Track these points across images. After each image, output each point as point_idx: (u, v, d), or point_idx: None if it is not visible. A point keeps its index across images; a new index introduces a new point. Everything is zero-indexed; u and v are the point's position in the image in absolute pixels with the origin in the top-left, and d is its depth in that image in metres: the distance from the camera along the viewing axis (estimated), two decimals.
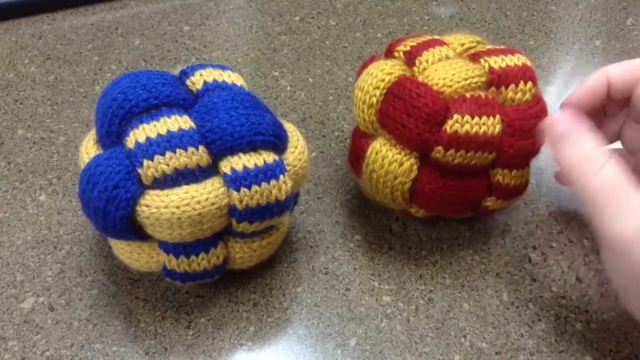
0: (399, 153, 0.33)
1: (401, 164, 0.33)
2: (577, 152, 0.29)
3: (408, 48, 0.35)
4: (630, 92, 0.32)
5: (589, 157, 0.28)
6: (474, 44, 0.36)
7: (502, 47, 0.35)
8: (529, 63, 0.34)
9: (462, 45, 0.36)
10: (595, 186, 0.28)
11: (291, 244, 0.37)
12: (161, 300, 0.35)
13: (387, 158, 0.33)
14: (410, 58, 0.35)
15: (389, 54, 0.36)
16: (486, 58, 0.34)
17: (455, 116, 0.31)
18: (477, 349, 0.33)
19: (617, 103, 0.34)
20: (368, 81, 0.34)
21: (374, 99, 0.34)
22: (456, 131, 0.31)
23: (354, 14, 0.55)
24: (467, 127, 0.31)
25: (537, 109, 0.33)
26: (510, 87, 0.33)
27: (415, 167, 0.33)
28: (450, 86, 0.32)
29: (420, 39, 0.36)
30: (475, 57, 0.34)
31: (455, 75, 0.33)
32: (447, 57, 0.34)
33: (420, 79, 0.33)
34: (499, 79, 0.33)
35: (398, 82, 0.33)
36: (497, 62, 0.33)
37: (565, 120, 0.30)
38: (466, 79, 0.33)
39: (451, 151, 0.32)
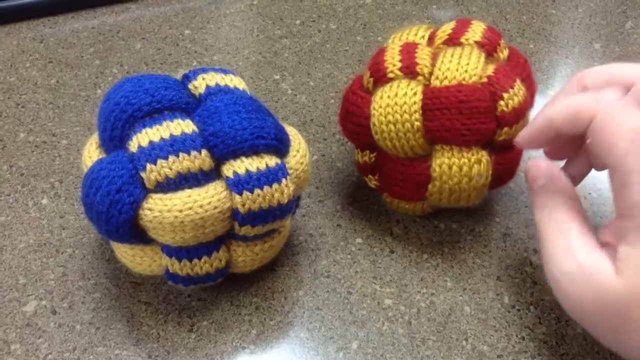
0: (472, 155, 0.33)
1: (480, 162, 0.33)
2: (542, 196, 0.31)
3: (399, 66, 0.34)
4: (579, 132, 0.29)
5: (548, 195, 0.31)
6: (430, 30, 0.37)
7: (453, 24, 0.36)
8: (484, 24, 0.36)
9: (424, 37, 0.36)
10: (547, 226, 0.30)
11: (293, 247, 0.38)
12: (163, 304, 0.35)
13: (465, 166, 0.33)
14: (410, 72, 0.34)
15: (382, 79, 0.35)
16: (463, 38, 0.35)
17: (505, 95, 0.33)
18: (478, 352, 0.33)
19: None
20: (398, 111, 0.33)
21: (417, 123, 0.33)
22: (513, 107, 0.33)
23: (354, 17, 0.55)
24: (516, 98, 0.33)
25: (520, 60, 0.36)
26: (497, 49, 0.35)
27: (488, 157, 0.33)
28: (474, 74, 0.33)
29: (395, 58, 0.35)
30: (452, 41, 0.35)
31: (468, 64, 0.33)
32: (435, 54, 0.35)
33: (437, 83, 0.33)
34: (488, 47, 0.35)
35: (433, 95, 0.33)
36: (474, 35, 0.35)
37: (542, 171, 0.31)
38: (477, 61, 0.34)
39: (515, 126, 0.33)
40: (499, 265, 0.37)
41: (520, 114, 0.33)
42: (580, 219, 0.30)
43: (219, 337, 0.33)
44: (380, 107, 0.34)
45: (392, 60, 0.34)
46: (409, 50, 0.35)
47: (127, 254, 0.32)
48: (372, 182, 0.38)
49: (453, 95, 0.32)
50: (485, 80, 0.33)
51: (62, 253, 0.37)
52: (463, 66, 0.33)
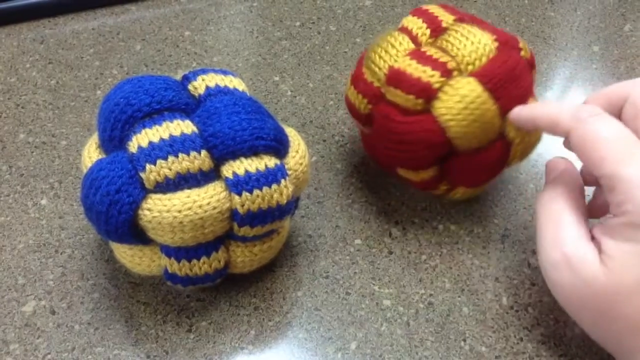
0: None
1: None
2: (543, 200, 0.32)
3: (437, 74, 0.34)
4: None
5: (543, 191, 0.32)
6: (403, 35, 0.37)
7: (418, 20, 0.37)
8: (435, 4, 0.38)
9: (409, 42, 0.36)
10: (542, 215, 0.32)
11: (292, 247, 0.38)
12: (162, 304, 0.35)
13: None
14: (448, 73, 0.34)
15: (431, 93, 0.34)
16: (444, 23, 0.36)
17: (520, 44, 0.36)
18: (476, 353, 0.33)
19: None
20: (475, 107, 0.33)
21: (494, 107, 0.33)
22: (526, 50, 0.36)
23: (354, 19, 0.55)
24: (521, 42, 0.37)
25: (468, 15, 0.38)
26: (465, 17, 0.37)
27: None
28: (491, 42, 0.35)
29: (425, 70, 0.34)
30: (437, 32, 0.36)
31: (480, 40, 0.34)
32: (440, 48, 0.35)
33: (472, 68, 0.34)
34: (463, 18, 0.37)
35: (487, 79, 0.33)
36: (446, 17, 0.37)
37: (559, 166, 0.33)
38: (481, 32, 0.35)
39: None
40: (498, 266, 0.37)
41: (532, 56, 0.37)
42: (576, 211, 0.31)
43: (217, 338, 0.33)
44: (456, 114, 0.33)
45: (426, 73, 0.33)
46: (424, 57, 0.34)
47: (126, 254, 0.32)
48: (440, 190, 0.37)
49: (500, 69, 0.33)
50: (497, 42, 0.34)
51: (61, 253, 0.37)
52: (479, 42, 0.34)
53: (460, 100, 0.33)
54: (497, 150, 0.35)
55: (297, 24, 0.55)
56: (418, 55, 0.34)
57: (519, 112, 0.33)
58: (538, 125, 0.32)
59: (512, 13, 0.56)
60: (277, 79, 0.49)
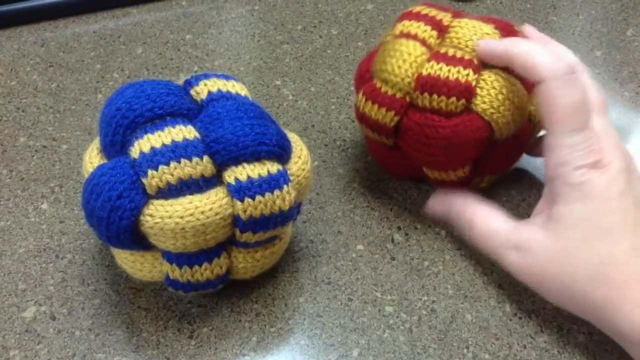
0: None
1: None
2: (455, 223, 0.37)
3: (476, 76, 0.34)
4: (531, 83, 0.34)
5: (461, 221, 0.37)
6: (418, 44, 0.36)
7: (419, 24, 0.37)
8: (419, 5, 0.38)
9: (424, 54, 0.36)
10: (475, 243, 0.36)
11: (293, 253, 0.37)
12: (163, 310, 0.35)
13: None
14: (477, 70, 0.34)
15: (472, 92, 0.34)
16: (445, 21, 0.37)
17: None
18: None
19: None
20: (513, 96, 0.34)
21: (525, 92, 0.35)
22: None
23: (355, 23, 0.55)
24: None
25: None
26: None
27: None
28: (492, 31, 0.36)
29: (461, 70, 0.34)
30: (443, 30, 0.37)
31: (482, 29, 0.36)
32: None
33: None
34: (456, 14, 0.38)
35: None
36: (444, 15, 0.37)
37: (434, 203, 0.39)
38: (484, 23, 0.36)
39: None
40: (501, 272, 0.37)
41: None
42: (492, 212, 0.36)
43: (219, 344, 0.33)
44: (498, 106, 0.34)
45: (460, 73, 0.34)
46: (448, 58, 0.34)
47: (127, 260, 0.32)
48: (482, 184, 0.39)
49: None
50: (497, 30, 0.36)
51: (61, 258, 0.37)
52: (484, 32, 0.35)
53: (499, 92, 0.34)
54: (527, 130, 0.37)
55: (299, 27, 0.55)
56: (441, 57, 0.34)
57: (493, 46, 0.34)
58: (512, 64, 0.33)
59: (514, 17, 0.56)
60: (278, 83, 0.49)
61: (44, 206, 0.40)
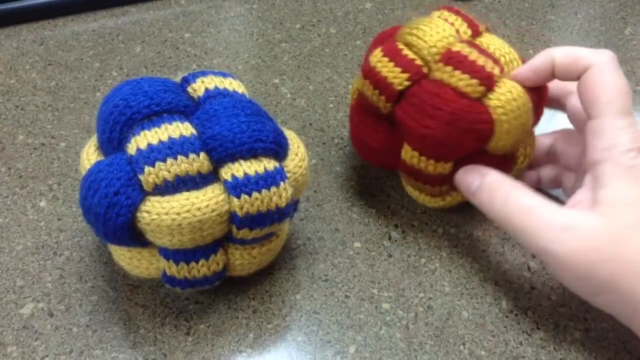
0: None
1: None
2: (485, 192, 0.34)
3: (497, 68, 0.34)
4: (574, 77, 0.34)
5: (494, 191, 0.33)
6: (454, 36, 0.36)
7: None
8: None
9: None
10: (507, 212, 0.32)
11: (291, 250, 0.38)
12: (161, 307, 0.35)
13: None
14: (502, 69, 0.35)
15: (492, 82, 0.34)
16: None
17: None
18: (476, 357, 0.33)
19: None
20: (523, 107, 0.34)
21: (530, 105, 0.35)
22: None
23: (354, 22, 0.55)
24: None
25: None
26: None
27: None
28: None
29: (487, 62, 0.34)
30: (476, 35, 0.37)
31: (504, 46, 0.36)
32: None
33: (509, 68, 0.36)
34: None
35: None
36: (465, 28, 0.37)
37: (471, 174, 0.35)
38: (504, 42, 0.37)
39: None
40: (497, 270, 0.37)
41: None
42: (531, 192, 0.33)
43: (216, 341, 0.33)
44: (509, 110, 0.33)
45: (488, 64, 0.34)
46: (480, 49, 0.35)
47: (124, 256, 0.32)
48: (440, 189, 0.37)
49: None
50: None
51: (59, 255, 0.37)
52: (509, 48, 0.36)
53: (514, 99, 0.33)
54: (508, 161, 0.36)
55: (297, 26, 0.55)
56: (473, 45, 0.35)
57: (533, 62, 0.34)
58: (555, 64, 0.33)
59: (513, 16, 0.56)
60: (276, 81, 0.49)
61: (42, 204, 0.40)
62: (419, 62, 0.35)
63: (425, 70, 0.34)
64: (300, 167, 0.32)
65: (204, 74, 0.33)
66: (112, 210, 0.29)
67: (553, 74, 0.34)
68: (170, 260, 0.31)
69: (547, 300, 0.35)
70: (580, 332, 0.34)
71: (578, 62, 0.33)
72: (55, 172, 0.42)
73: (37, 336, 0.33)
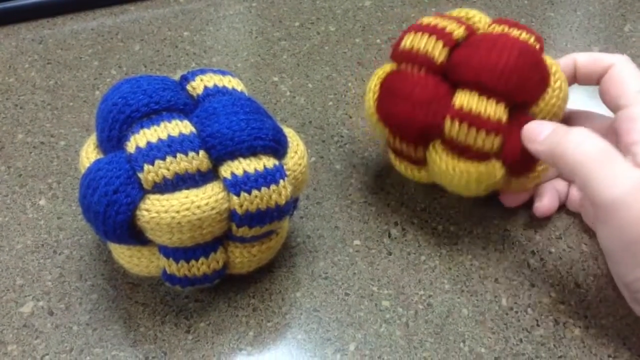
0: None
1: None
2: (559, 134, 0.32)
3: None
4: (594, 79, 0.36)
5: (570, 133, 0.31)
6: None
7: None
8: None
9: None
10: (583, 153, 0.30)
11: (290, 248, 0.38)
12: (161, 305, 0.35)
13: None
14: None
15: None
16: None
17: None
18: (476, 354, 0.33)
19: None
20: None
21: None
22: None
23: (353, 20, 0.55)
24: None
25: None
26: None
27: None
28: None
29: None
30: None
31: None
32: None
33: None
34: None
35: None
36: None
37: (540, 124, 0.33)
38: None
39: None
40: (497, 267, 0.37)
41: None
42: (608, 144, 0.31)
43: (216, 339, 0.33)
44: (560, 77, 0.35)
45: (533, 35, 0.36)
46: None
47: (124, 255, 0.32)
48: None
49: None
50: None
51: (59, 254, 0.37)
52: None
53: (560, 73, 0.35)
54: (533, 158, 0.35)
55: (296, 24, 0.55)
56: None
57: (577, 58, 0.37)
58: (578, 64, 0.36)
59: (512, 13, 0.56)
60: (276, 79, 0.49)
61: (42, 202, 0.40)
62: (471, 24, 0.36)
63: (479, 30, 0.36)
64: (300, 164, 0.32)
65: (203, 72, 0.33)
66: (111, 208, 0.29)
67: (574, 77, 0.37)
68: (170, 259, 0.31)
69: (547, 297, 0.35)
70: (580, 329, 0.34)
71: (600, 62, 0.35)
72: (54, 171, 0.42)
73: (38, 335, 0.33)
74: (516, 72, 0.33)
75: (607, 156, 0.30)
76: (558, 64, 0.36)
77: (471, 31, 0.35)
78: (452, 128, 0.33)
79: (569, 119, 0.38)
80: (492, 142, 0.33)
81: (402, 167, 0.38)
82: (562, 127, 0.32)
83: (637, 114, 0.33)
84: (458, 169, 0.34)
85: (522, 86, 0.33)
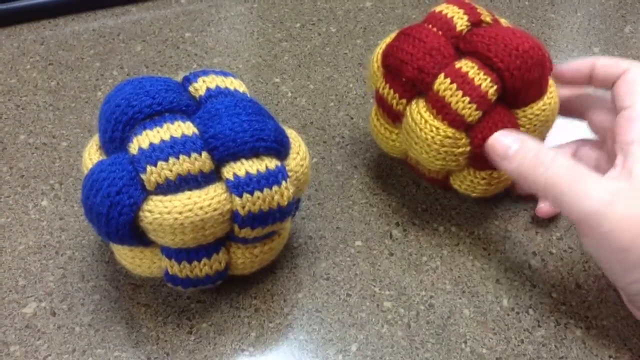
0: None
1: None
2: (529, 154, 0.32)
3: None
4: (609, 82, 0.36)
5: (539, 153, 0.32)
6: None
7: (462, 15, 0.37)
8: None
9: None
10: (553, 174, 0.31)
11: (292, 249, 0.38)
12: (163, 306, 0.35)
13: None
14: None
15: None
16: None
17: None
18: (477, 355, 0.33)
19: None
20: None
21: None
22: None
23: (354, 21, 0.55)
24: None
25: None
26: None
27: None
28: None
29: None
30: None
31: None
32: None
33: None
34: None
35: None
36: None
37: (508, 139, 0.33)
38: None
39: None
40: (498, 268, 0.37)
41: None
42: (576, 162, 0.32)
43: (218, 340, 0.33)
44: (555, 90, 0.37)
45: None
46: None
47: (126, 255, 0.32)
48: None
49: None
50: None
51: (61, 255, 0.37)
52: None
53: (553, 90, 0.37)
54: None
55: (298, 25, 0.55)
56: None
57: (573, 63, 0.37)
58: (596, 65, 0.36)
59: (513, 14, 0.56)
60: (277, 80, 0.49)
61: (44, 203, 0.40)
62: (497, 18, 0.38)
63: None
64: (302, 165, 0.32)
65: (205, 73, 0.33)
66: (114, 209, 0.29)
67: (590, 78, 0.37)
68: (173, 259, 0.31)
69: (548, 298, 0.36)
70: (581, 329, 0.34)
71: (618, 65, 0.35)
72: (56, 172, 0.42)
73: (40, 335, 0.33)
74: (523, 58, 0.34)
75: (577, 173, 0.31)
76: (555, 86, 0.37)
77: (497, 23, 0.37)
78: (442, 83, 0.34)
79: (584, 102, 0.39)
80: (470, 112, 0.34)
81: (380, 128, 0.38)
82: (529, 145, 0.33)
83: (637, 114, 0.33)
84: (429, 124, 0.34)
85: (522, 74, 0.34)
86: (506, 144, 0.33)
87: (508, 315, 0.35)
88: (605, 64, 0.36)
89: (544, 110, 0.35)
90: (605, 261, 0.31)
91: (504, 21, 0.38)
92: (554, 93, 0.36)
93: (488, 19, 0.37)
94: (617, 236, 0.29)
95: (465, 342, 0.34)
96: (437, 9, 0.37)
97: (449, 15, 0.36)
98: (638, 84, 0.34)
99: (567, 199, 0.31)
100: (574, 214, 0.30)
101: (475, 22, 0.36)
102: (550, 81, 0.36)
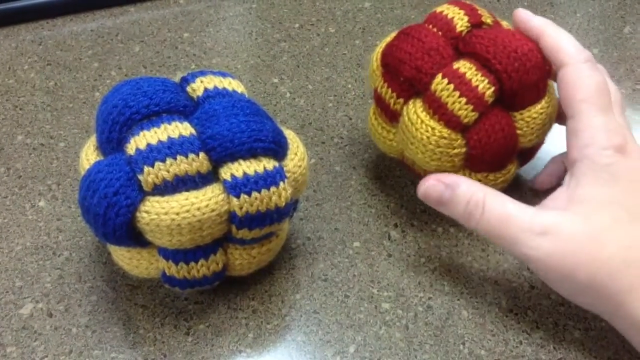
0: None
1: None
2: (459, 207, 0.33)
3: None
4: (554, 68, 0.35)
5: (468, 206, 0.32)
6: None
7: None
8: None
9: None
10: (485, 224, 0.32)
11: (290, 250, 0.38)
12: (160, 307, 0.35)
13: None
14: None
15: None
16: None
17: None
18: (476, 357, 0.33)
19: None
20: None
21: None
22: None
23: (353, 21, 0.55)
24: None
25: None
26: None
27: None
28: None
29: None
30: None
31: None
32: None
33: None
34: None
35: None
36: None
37: (440, 184, 0.33)
38: None
39: None
40: (497, 269, 0.37)
41: None
42: (506, 198, 0.32)
43: (215, 341, 0.33)
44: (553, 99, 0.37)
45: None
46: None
47: (124, 256, 0.32)
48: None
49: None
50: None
51: (58, 256, 0.37)
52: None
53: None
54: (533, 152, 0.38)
55: (296, 25, 0.55)
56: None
57: (530, 17, 0.36)
58: (543, 41, 0.34)
59: (512, 15, 0.56)
60: (276, 80, 0.49)
61: (41, 204, 0.40)
62: (499, 20, 0.38)
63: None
64: (300, 166, 0.32)
65: (203, 73, 0.33)
66: (111, 210, 0.29)
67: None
68: (170, 260, 0.31)
69: (546, 299, 0.35)
70: (579, 331, 0.34)
71: (558, 55, 0.34)
72: (54, 172, 0.42)
73: (36, 337, 0.33)
74: (521, 60, 0.34)
75: (506, 219, 0.31)
76: (554, 91, 0.36)
77: (498, 24, 0.37)
78: (439, 84, 0.34)
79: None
80: (466, 113, 0.34)
81: (378, 127, 0.38)
82: (459, 196, 0.33)
83: (578, 127, 0.32)
84: (425, 124, 0.34)
85: (520, 76, 0.34)
86: (438, 190, 0.33)
87: (506, 316, 0.35)
88: (548, 45, 0.34)
89: (541, 113, 0.35)
90: (553, 287, 0.32)
91: (505, 23, 0.38)
92: (552, 97, 0.36)
93: (489, 20, 0.37)
94: (549, 272, 0.31)
95: (464, 344, 0.34)
96: (438, 9, 0.37)
97: (449, 16, 0.36)
98: (574, 87, 0.32)
99: (504, 244, 0.32)
100: (511, 254, 0.33)
101: (476, 24, 0.36)
102: (549, 85, 0.36)
